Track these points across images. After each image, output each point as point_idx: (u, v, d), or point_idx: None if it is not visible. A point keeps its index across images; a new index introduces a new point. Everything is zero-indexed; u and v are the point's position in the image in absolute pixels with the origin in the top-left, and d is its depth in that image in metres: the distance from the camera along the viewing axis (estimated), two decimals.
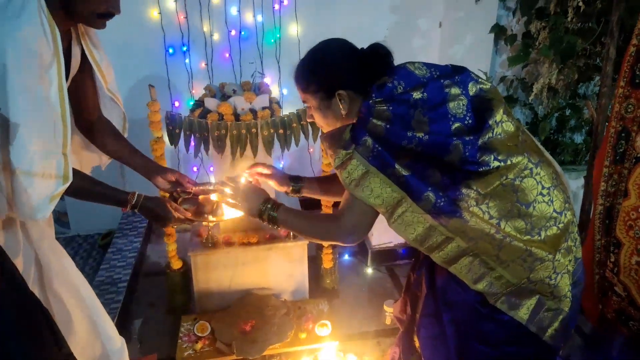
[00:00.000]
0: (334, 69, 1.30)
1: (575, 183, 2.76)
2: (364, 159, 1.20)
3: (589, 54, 2.63)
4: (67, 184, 1.32)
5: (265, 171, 1.67)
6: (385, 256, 2.77)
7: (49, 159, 1.28)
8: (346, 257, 2.87)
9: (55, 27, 1.27)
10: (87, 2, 1.29)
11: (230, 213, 1.69)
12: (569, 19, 2.46)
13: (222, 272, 2.28)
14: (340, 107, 1.29)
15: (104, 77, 1.53)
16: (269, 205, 1.42)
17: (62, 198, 3.01)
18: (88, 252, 3.01)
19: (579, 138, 3.18)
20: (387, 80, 1.22)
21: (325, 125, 1.38)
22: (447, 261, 1.25)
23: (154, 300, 2.52)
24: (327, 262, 2.48)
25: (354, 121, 1.28)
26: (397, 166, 1.19)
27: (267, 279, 2.35)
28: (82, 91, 1.55)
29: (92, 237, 3.15)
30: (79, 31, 1.45)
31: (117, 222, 3.09)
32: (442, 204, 1.18)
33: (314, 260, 2.56)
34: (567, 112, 3.04)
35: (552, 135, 3.12)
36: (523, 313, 1.25)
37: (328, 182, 1.68)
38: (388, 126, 1.18)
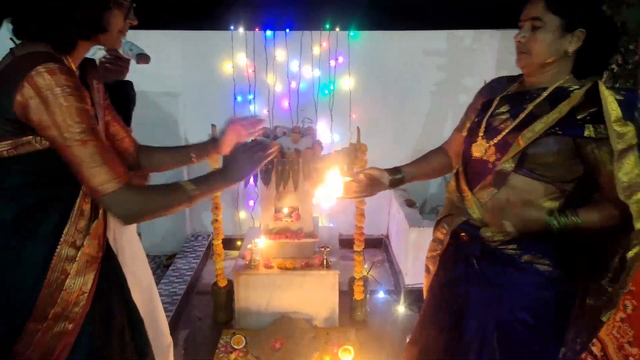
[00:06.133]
0: (594, 10, 1.32)
1: None
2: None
3: None
4: None
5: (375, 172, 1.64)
6: (418, 296, 2.88)
7: None
8: (381, 294, 3.01)
9: None
10: None
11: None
12: None
13: (260, 293, 2.54)
14: (569, 44, 1.32)
15: None
16: (562, 213, 1.32)
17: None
18: (153, 270, 3.36)
19: None
20: None
21: (537, 50, 1.34)
22: None
23: (202, 315, 2.81)
24: (358, 293, 2.66)
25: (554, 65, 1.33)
26: None
27: (300, 304, 2.56)
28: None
29: (159, 257, 3.56)
30: None
31: (180, 246, 3.48)
32: None
33: (347, 294, 2.75)
34: None
35: None
36: None
37: (425, 163, 1.71)
38: None
